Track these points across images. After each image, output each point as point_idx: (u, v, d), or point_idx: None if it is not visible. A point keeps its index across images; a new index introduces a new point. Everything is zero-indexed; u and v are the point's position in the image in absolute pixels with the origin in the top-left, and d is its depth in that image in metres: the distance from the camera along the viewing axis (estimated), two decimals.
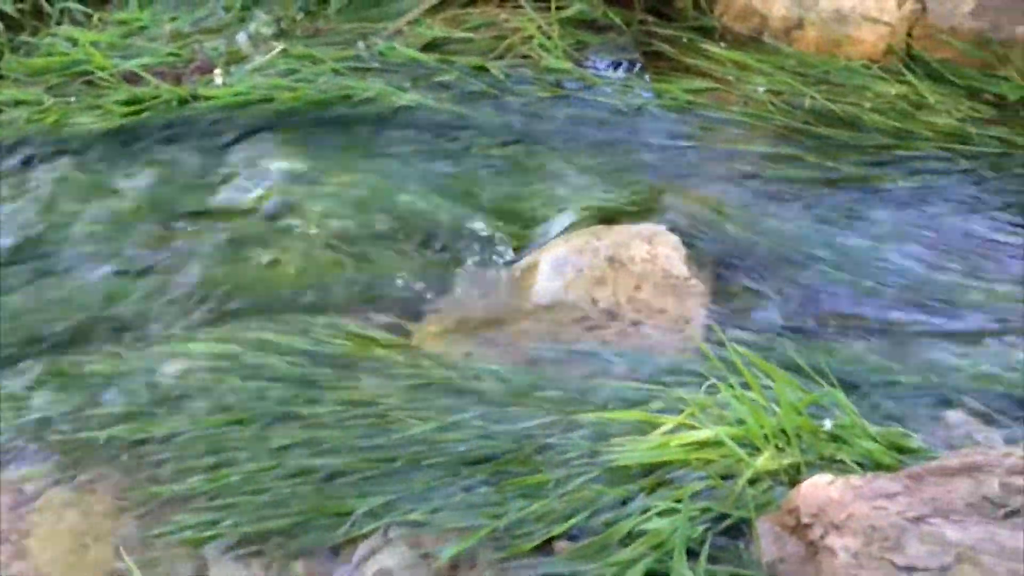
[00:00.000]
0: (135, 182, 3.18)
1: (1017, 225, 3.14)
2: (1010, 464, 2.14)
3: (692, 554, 2.09)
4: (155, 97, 3.49)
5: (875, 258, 3.02)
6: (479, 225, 3.09)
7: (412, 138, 3.49)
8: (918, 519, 2.00)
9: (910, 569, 1.92)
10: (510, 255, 3.00)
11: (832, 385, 2.38)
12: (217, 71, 3.61)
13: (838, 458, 2.25)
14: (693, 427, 2.30)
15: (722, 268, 2.96)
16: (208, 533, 2.18)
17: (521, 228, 3.09)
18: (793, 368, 2.49)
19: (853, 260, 3.01)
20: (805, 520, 2.05)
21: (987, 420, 2.44)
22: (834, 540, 1.98)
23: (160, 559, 2.15)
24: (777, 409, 2.28)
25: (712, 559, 2.08)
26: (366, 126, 3.54)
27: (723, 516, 2.15)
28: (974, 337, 2.71)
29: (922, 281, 2.92)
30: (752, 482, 2.21)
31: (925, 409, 2.48)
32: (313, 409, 2.45)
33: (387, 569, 2.09)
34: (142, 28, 3.85)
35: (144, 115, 3.43)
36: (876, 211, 3.25)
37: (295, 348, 2.63)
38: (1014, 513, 2.03)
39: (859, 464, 2.23)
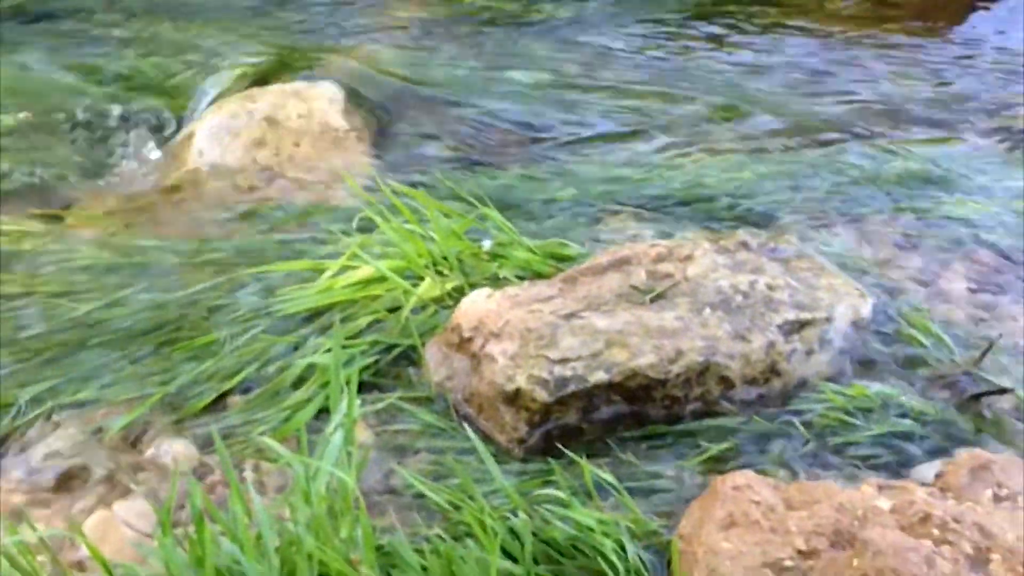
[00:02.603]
0: None
1: (658, 37, 3.25)
2: (655, 254, 2.25)
3: (365, 386, 2.12)
4: None
5: (531, 87, 3.08)
6: (132, 104, 2.99)
7: (52, 28, 3.34)
8: (570, 315, 2.08)
9: (564, 361, 2.00)
10: (166, 128, 2.92)
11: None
12: None
13: (501, 275, 2.31)
14: (356, 267, 2.31)
15: (383, 115, 2.96)
16: None
17: (176, 101, 3.01)
18: (456, 199, 2.53)
19: (510, 92, 3.06)
20: (467, 335, 2.11)
21: (640, 219, 2.54)
22: (493, 347, 2.04)
23: None
24: (436, 237, 2.32)
25: (383, 388, 2.12)
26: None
27: (392, 346, 2.18)
28: (624, 145, 2.81)
29: (575, 102, 3.00)
30: (420, 310, 2.24)
31: (583, 218, 2.56)
32: None
33: (56, 450, 2.03)
34: None
35: None
36: (532, 43, 3.32)
37: None
38: (659, 296, 2.14)
39: (520, 278, 2.30)
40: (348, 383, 1.77)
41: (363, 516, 1.62)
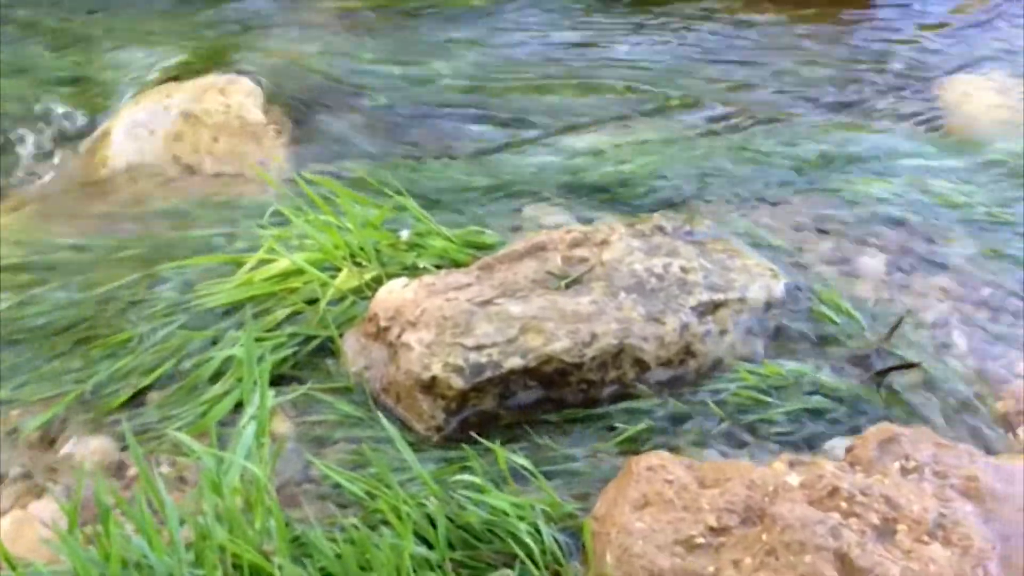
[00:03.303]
0: None
1: (578, 26, 3.27)
2: (571, 239, 2.27)
3: (284, 378, 2.12)
4: None
5: (452, 78, 3.08)
6: (49, 102, 2.95)
7: None
8: (486, 302, 2.10)
9: (479, 347, 2.01)
10: (84, 125, 2.89)
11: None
12: None
13: (420, 265, 2.32)
14: (275, 260, 2.31)
15: (303, 109, 2.95)
16: None
17: (93, 98, 2.98)
18: (375, 191, 2.53)
19: (430, 83, 3.06)
20: (384, 324, 2.11)
21: (559, 206, 2.55)
22: (409, 336, 2.05)
23: None
24: (353, 228, 2.32)
25: (303, 379, 2.12)
26: None
27: (311, 337, 2.18)
28: (545, 133, 2.83)
29: (495, 93, 3.00)
30: (338, 301, 2.24)
31: (504, 209, 2.57)
32: None
33: None
34: None
35: None
36: (453, 34, 3.31)
37: None
38: (575, 281, 2.15)
39: (438, 266, 2.30)
40: (261, 375, 1.76)
41: (275, 507, 1.62)
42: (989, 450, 1.96)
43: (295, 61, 3.15)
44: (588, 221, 2.48)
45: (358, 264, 2.31)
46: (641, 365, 2.05)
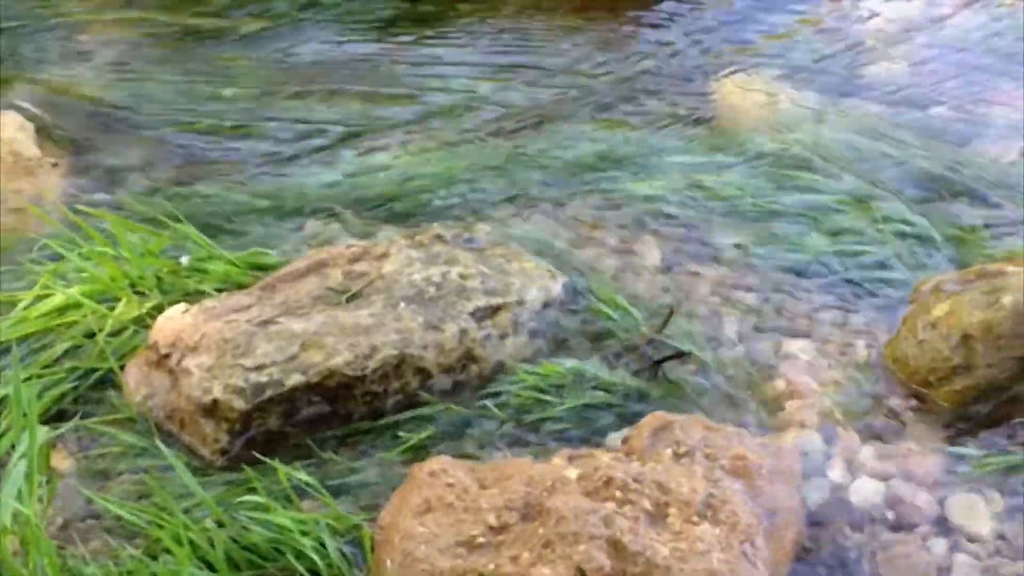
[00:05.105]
0: None
1: (361, 42, 3.29)
2: (351, 254, 2.29)
3: (65, 414, 2.09)
4: None
5: (233, 101, 3.06)
6: None
7: None
8: (267, 322, 2.10)
9: (259, 367, 2.01)
10: None
11: (194, 228, 2.43)
12: None
13: (202, 290, 2.30)
14: (50, 295, 2.27)
15: (81, 142, 2.90)
16: None
17: None
18: (155, 220, 2.50)
19: (212, 108, 3.04)
20: (164, 352, 2.10)
21: (344, 222, 2.56)
22: (189, 361, 2.04)
23: None
24: (130, 258, 2.30)
25: (84, 414, 2.09)
26: None
27: (92, 371, 2.15)
28: (330, 150, 2.84)
29: (279, 112, 3.00)
30: (119, 332, 2.22)
31: (286, 228, 2.57)
32: None
33: None
34: None
35: None
36: (233, 57, 3.29)
37: None
38: (355, 296, 2.17)
39: (220, 290, 2.29)
40: (30, 413, 1.73)
41: (46, 544, 1.59)
42: (759, 430, 2.04)
43: (73, 92, 3.09)
44: (371, 236, 2.50)
45: (140, 294, 2.28)
46: (423, 373, 2.08)
